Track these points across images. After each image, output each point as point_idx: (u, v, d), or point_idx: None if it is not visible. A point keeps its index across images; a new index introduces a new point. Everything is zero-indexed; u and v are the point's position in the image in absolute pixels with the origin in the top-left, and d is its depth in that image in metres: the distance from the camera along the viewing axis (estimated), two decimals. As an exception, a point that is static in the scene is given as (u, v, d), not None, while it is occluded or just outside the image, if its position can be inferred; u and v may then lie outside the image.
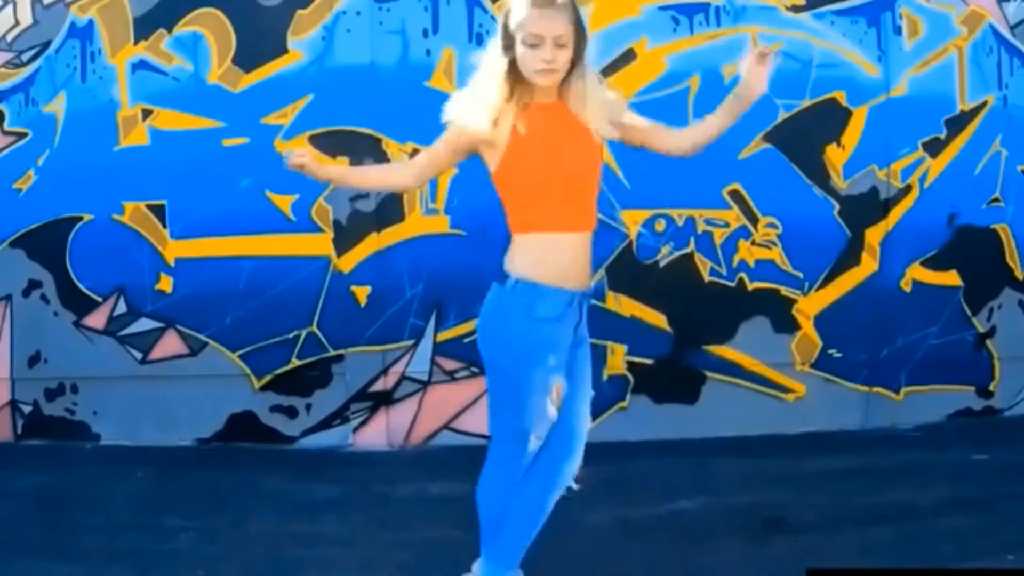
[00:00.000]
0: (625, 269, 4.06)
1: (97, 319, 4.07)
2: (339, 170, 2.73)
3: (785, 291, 4.13)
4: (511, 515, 2.62)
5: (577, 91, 2.45)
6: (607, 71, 3.91)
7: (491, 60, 2.44)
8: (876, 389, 4.24)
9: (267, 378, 4.09)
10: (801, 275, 4.13)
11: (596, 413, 4.08)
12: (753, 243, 4.09)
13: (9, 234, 4.02)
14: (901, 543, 3.17)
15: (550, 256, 2.44)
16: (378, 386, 4.09)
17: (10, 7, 3.89)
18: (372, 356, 4.06)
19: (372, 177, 2.85)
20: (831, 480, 3.70)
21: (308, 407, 4.12)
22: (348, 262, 4.01)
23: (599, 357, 4.09)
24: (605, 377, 4.12)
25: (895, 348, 4.20)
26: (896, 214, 4.12)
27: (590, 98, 2.45)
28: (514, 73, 2.42)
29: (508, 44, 2.41)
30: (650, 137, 2.62)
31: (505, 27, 2.42)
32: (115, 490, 3.69)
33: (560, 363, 2.47)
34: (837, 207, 4.09)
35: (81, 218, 4.01)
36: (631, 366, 4.13)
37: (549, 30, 2.36)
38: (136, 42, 3.90)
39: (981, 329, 4.27)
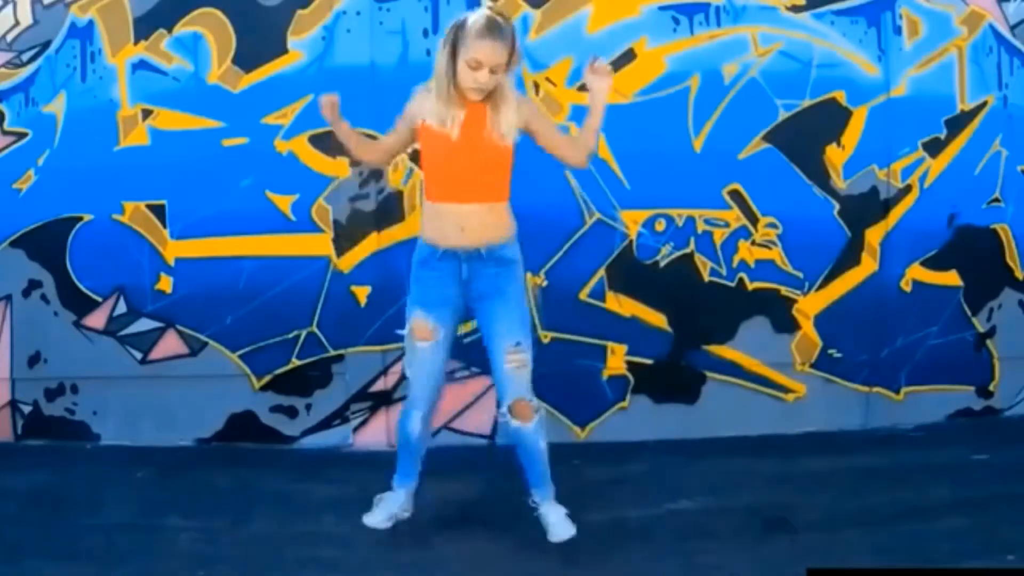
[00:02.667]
0: (625, 269, 4.06)
1: (97, 319, 4.07)
2: (345, 130, 3.17)
3: (785, 291, 4.13)
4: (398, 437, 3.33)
5: (493, 99, 2.94)
6: (607, 71, 3.92)
7: (439, 63, 2.92)
8: (876, 389, 4.24)
9: (267, 378, 4.09)
10: (801, 275, 4.13)
11: (596, 413, 4.16)
12: (753, 243, 4.09)
13: (9, 234, 4.02)
14: (901, 543, 3.17)
15: (432, 220, 3.04)
16: (378, 386, 4.10)
17: (10, 7, 3.89)
18: (372, 356, 4.06)
19: (353, 144, 3.24)
20: (831, 480, 3.70)
21: (308, 407, 4.12)
22: (348, 262, 4.01)
23: (599, 357, 4.10)
24: (605, 377, 4.13)
25: (895, 348, 4.20)
26: (896, 214, 4.12)
27: (500, 107, 2.94)
28: (452, 77, 2.91)
29: (453, 54, 2.87)
30: (551, 145, 3.09)
31: (454, 41, 2.86)
32: (115, 490, 3.69)
33: (424, 303, 3.06)
34: (837, 207, 4.09)
35: (81, 218, 4.01)
36: (631, 366, 4.13)
37: (489, 60, 2.84)
38: (136, 42, 3.90)
39: (981, 329, 4.27)
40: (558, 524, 3.11)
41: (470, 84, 2.87)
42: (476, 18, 2.85)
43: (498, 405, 3.14)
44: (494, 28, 2.84)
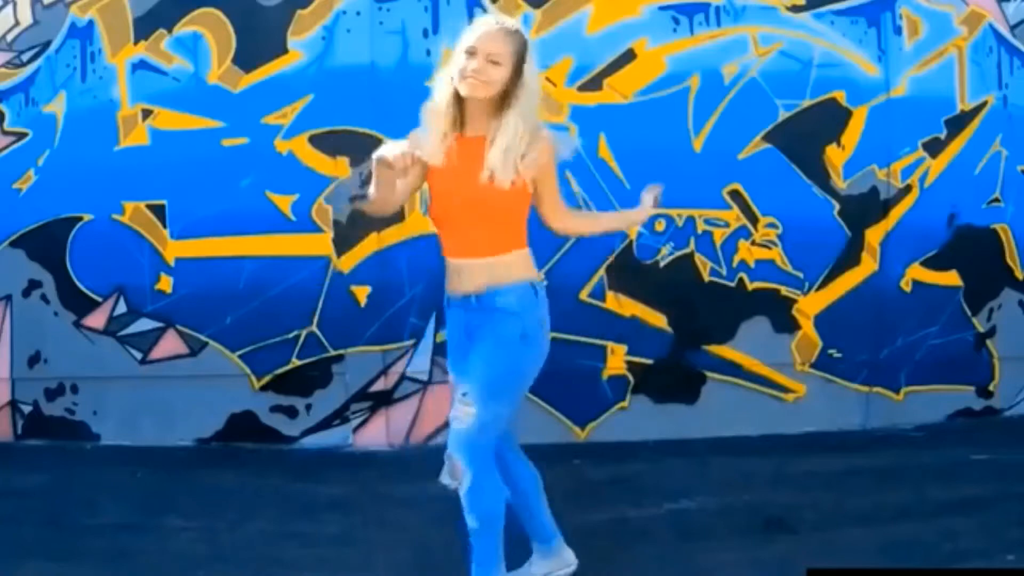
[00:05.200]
0: (625, 269, 4.06)
1: (97, 319, 4.07)
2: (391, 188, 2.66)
3: (785, 291, 4.13)
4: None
5: (495, 134, 2.52)
6: (607, 71, 3.92)
7: (436, 90, 2.59)
8: (876, 389, 4.24)
9: (267, 378, 4.09)
10: (801, 275, 4.13)
11: (596, 413, 4.16)
12: (753, 243, 4.09)
13: (9, 234, 4.02)
14: (901, 543, 3.17)
15: (447, 273, 2.68)
16: (378, 386, 4.09)
17: (10, 7, 3.89)
18: (372, 356, 4.06)
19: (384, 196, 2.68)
20: (831, 480, 3.70)
21: (308, 407, 4.12)
22: (348, 262, 4.01)
23: (599, 357, 4.10)
24: (605, 377, 4.13)
25: (895, 348, 4.20)
26: (896, 214, 4.12)
27: (496, 145, 2.51)
28: (456, 104, 2.55)
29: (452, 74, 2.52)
30: (541, 204, 2.68)
31: (453, 54, 2.53)
32: (115, 490, 3.69)
33: (450, 351, 2.74)
34: (837, 207, 4.09)
35: (81, 218, 4.01)
36: (631, 366, 4.13)
37: (483, 46, 2.46)
38: (136, 42, 3.90)
39: (981, 329, 4.27)
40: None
41: (463, 73, 2.47)
42: (474, 23, 2.59)
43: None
44: (492, 18, 2.59)
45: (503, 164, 2.50)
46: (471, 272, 2.62)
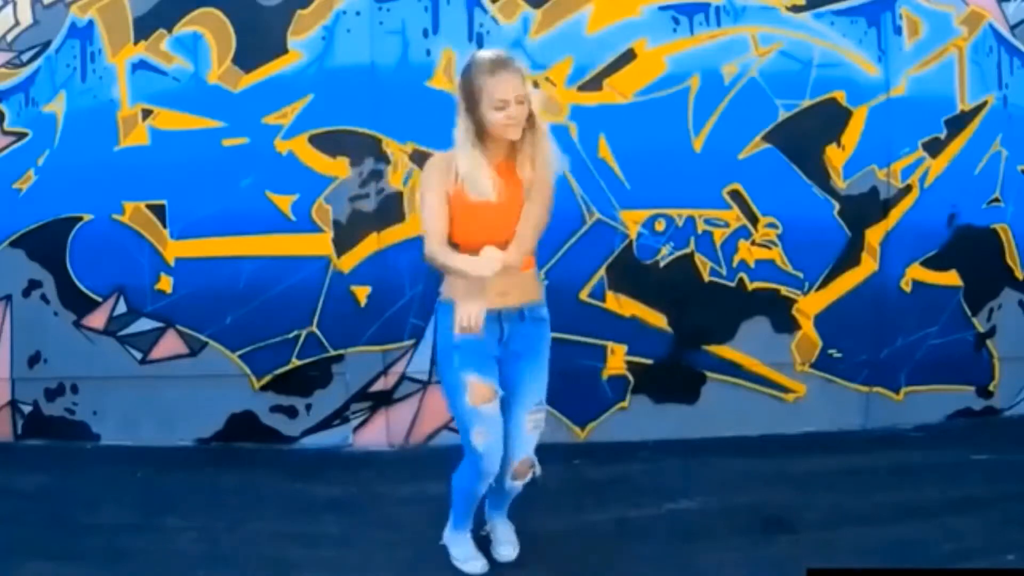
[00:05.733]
0: (625, 269, 4.06)
1: (97, 319, 4.07)
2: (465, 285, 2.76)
3: (785, 291, 4.13)
4: (455, 490, 3.08)
5: (527, 154, 2.74)
6: (607, 71, 3.92)
7: (459, 128, 2.72)
8: (876, 389, 4.24)
9: (267, 378, 4.09)
10: (801, 275, 4.13)
11: (596, 413, 4.16)
12: (753, 243, 4.09)
13: (9, 234, 4.02)
14: (901, 543, 3.17)
15: (460, 283, 2.75)
16: (378, 386, 4.09)
17: (10, 7, 3.89)
18: (372, 356, 4.06)
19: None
20: (831, 480, 3.70)
21: (308, 407, 4.12)
22: (348, 262, 4.01)
23: (599, 357, 4.10)
24: (605, 377, 4.13)
25: (895, 348, 4.20)
26: (896, 214, 4.12)
27: (539, 159, 2.74)
28: (477, 132, 2.71)
29: (471, 106, 2.68)
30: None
31: (467, 91, 2.68)
32: (115, 490, 3.69)
33: (476, 366, 2.83)
34: (837, 207, 4.09)
35: (81, 218, 4.01)
36: (631, 366, 4.13)
37: (510, 92, 2.64)
38: (136, 42, 3.90)
39: (981, 329, 4.27)
40: (508, 544, 3.14)
41: (503, 122, 2.66)
42: (478, 61, 2.69)
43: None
44: (500, 60, 2.68)
45: (547, 166, 2.76)
46: (519, 286, 2.84)
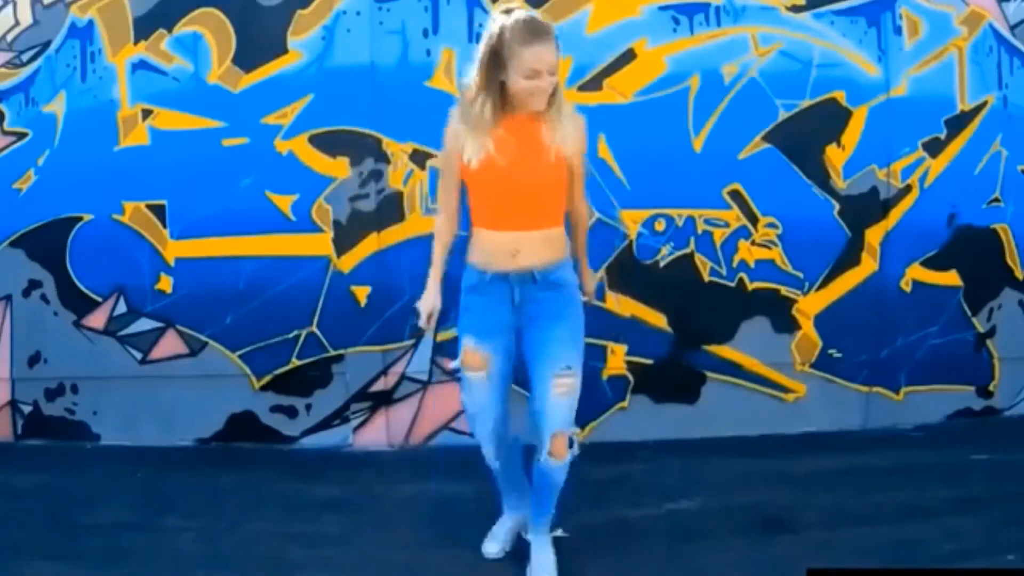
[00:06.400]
0: (625, 269, 4.06)
1: (97, 319, 4.07)
2: (435, 276, 2.89)
3: (785, 291, 4.13)
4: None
5: (548, 111, 2.71)
6: (607, 71, 3.92)
7: (476, 81, 2.67)
8: (876, 389, 4.24)
9: (267, 378, 4.09)
10: (801, 275, 4.13)
11: (596, 413, 4.16)
12: (753, 243, 4.09)
13: (9, 234, 4.02)
14: (901, 543, 3.17)
15: (481, 246, 2.80)
16: (378, 386, 4.09)
17: (10, 7, 3.89)
18: (372, 356, 4.06)
19: (440, 251, 2.94)
20: (831, 480, 3.70)
21: (308, 407, 4.12)
22: (348, 262, 4.01)
23: (599, 357, 4.10)
24: (605, 377, 4.13)
25: (895, 348, 4.20)
26: (896, 214, 4.12)
27: (557, 119, 2.72)
28: (498, 91, 2.66)
29: (495, 66, 2.62)
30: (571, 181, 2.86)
31: (494, 52, 2.62)
32: (115, 490, 3.69)
33: (475, 331, 2.83)
34: (837, 207, 4.09)
35: (81, 218, 4.01)
36: (631, 366, 4.13)
37: (545, 63, 2.60)
38: (136, 42, 3.90)
39: (981, 329, 4.27)
40: (544, 570, 2.94)
41: (536, 93, 2.62)
42: (514, 25, 2.60)
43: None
44: (537, 29, 2.60)
45: (567, 137, 2.73)
46: (532, 246, 2.75)
